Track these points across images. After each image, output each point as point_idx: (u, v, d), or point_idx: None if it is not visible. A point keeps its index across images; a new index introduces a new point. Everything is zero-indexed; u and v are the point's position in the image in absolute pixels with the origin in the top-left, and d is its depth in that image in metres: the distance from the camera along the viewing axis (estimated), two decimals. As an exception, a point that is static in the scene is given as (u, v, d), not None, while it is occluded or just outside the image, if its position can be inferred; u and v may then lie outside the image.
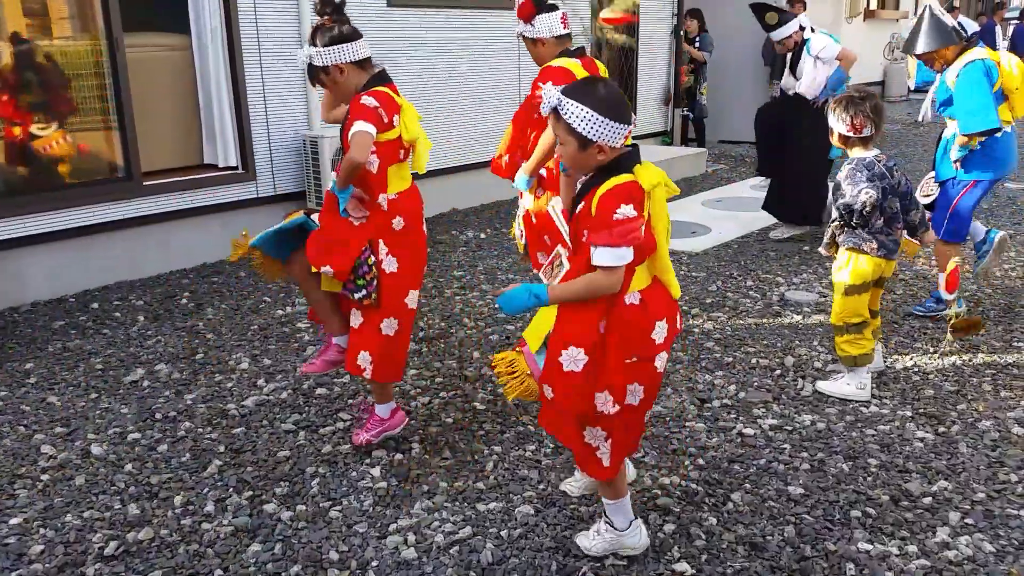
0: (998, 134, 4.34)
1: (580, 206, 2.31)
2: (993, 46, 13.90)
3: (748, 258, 5.93)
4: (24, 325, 4.69)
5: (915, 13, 16.28)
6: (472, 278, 5.51)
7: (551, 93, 2.22)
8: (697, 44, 10.25)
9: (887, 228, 3.57)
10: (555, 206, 3.51)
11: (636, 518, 2.62)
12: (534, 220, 3.71)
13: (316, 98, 6.19)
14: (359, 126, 2.77)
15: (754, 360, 4.12)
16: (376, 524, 2.82)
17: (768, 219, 6.75)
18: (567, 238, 2.66)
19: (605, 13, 4.55)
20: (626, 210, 2.16)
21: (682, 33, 10.08)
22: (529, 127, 3.67)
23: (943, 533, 2.73)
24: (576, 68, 3.65)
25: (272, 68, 5.98)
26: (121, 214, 5.37)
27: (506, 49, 7.68)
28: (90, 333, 4.57)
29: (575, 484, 2.97)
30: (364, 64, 2.95)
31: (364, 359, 3.07)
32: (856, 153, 3.59)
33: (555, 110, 2.23)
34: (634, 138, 3.92)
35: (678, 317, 2.45)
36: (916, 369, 4.02)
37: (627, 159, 2.27)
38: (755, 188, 8.26)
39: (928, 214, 4.02)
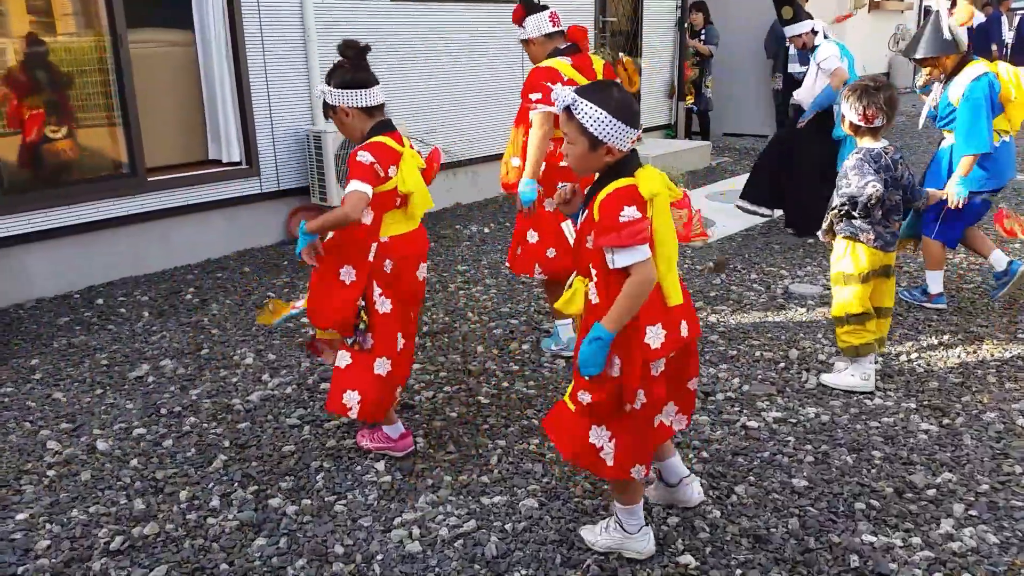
0: (996, 143, 4.35)
1: (584, 214, 2.34)
2: (999, 37, 13.79)
3: (752, 251, 5.92)
4: (29, 321, 4.71)
5: (920, 5, 16.22)
6: (476, 272, 5.51)
7: (565, 92, 2.25)
8: (703, 37, 10.22)
9: (885, 220, 3.56)
10: (568, 226, 3.52)
11: (647, 525, 2.60)
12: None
13: (319, 94, 6.20)
14: (354, 185, 2.80)
15: (758, 353, 4.12)
16: (381, 518, 2.83)
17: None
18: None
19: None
20: (630, 211, 2.19)
21: (687, 26, 10.05)
22: (524, 128, 3.73)
23: (947, 525, 2.73)
24: (563, 67, 3.69)
25: (275, 64, 5.98)
26: (125, 210, 5.38)
27: (509, 43, 7.66)
28: (95, 329, 4.59)
29: (652, 493, 2.89)
30: (372, 111, 2.96)
31: (351, 398, 3.03)
32: (865, 143, 3.57)
33: (567, 109, 2.25)
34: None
35: (682, 324, 2.37)
36: (920, 361, 4.01)
37: (629, 163, 2.29)
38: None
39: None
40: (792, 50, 9.96)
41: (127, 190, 5.38)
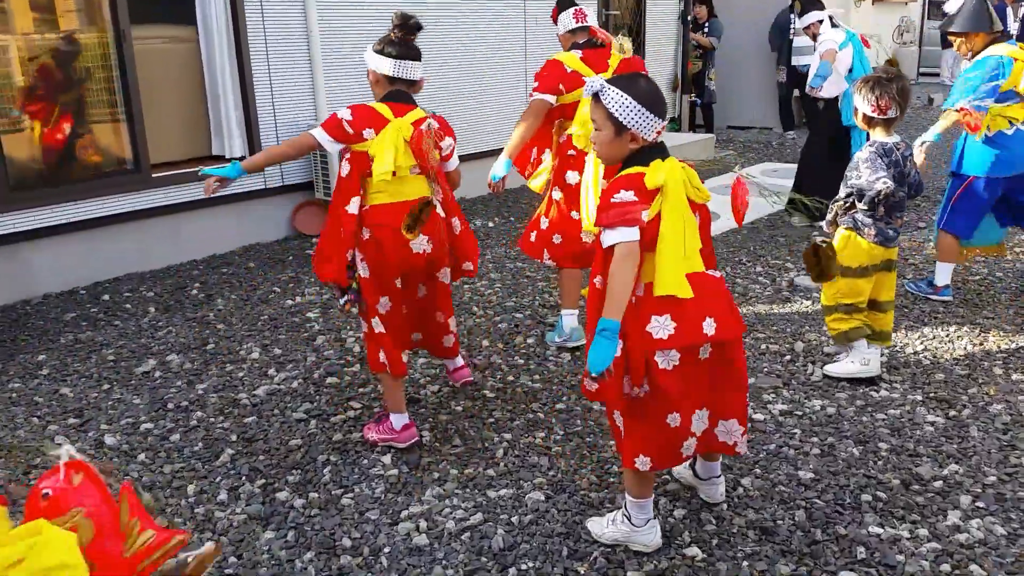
0: (1008, 131, 4.32)
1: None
2: (1004, 27, 13.74)
3: (757, 244, 5.92)
4: (36, 317, 4.72)
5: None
6: (481, 267, 5.51)
7: (595, 80, 2.35)
8: (706, 30, 10.20)
9: (887, 216, 3.54)
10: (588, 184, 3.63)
11: (655, 519, 2.60)
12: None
13: (323, 88, 6.20)
14: (314, 131, 3.05)
15: (764, 346, 4.12)
16: (388, 511, 2.83)
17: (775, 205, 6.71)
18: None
19: None
20: (625, 195, 2.26)
21: (690, 19, 10.03)
22: (555, 118, 3.86)
23: (954, 516, 2.73)
24: (569, 59, 3.80)
25: (278, 58, 5.98)
26: (131, 206, 5.39)
27: (512, 38, 7.66)
28: (101, 324, 4.60)
29: (682, 472, 2.93)
30: (393, 80, 3.10)
31: (380, 357, 3.19)
32: (878, 136, 3.55)
33: (596, 96, 2.34)
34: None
35: (706, 321, 2.32)
36: (926, 353, 4.01)
37: (649, 153, 2.34)
38: (765, 174, 8.22)
39: None
40: (796, 42, 9.96)
41: (132, 186, 5.39)
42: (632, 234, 2.24)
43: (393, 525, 2.76)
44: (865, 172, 3.46)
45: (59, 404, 3.67)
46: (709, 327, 2.34)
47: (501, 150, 3.91)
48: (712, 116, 10.55)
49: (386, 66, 3.07)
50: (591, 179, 3.65)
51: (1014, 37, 13.88)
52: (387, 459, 3.14)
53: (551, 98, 3.79)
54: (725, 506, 2.80)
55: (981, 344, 4.09)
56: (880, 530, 2.66)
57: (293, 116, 6.14)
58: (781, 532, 2.67)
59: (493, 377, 3.84)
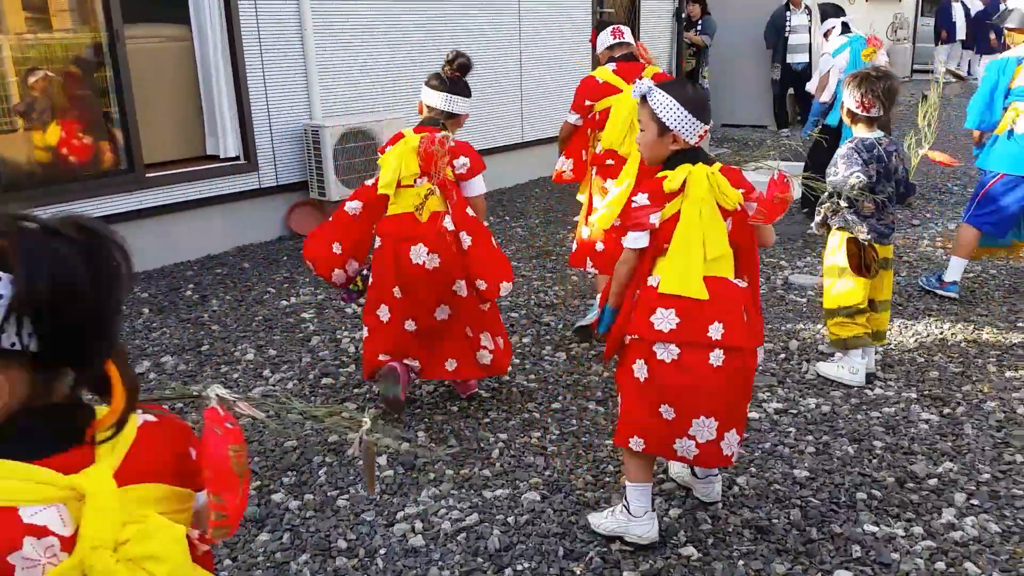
0: None
1: None
2: (998, 27, 13.78)
3: (752, 242, 5.92)
4: (30, 319, 4.70)
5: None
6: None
7: (643, 82, 2.47)
8: (699, 28, 10.21)
9: (879, 213, 3.54)
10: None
11: (652, 511, 2.61)
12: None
13: (318, 87, 6.19)
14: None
15: (758, 344, 4.12)
16: (383, 512, 2.83)
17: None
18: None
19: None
20: (640, 199, 2.42)
21: (684, 17, 10.03)
22: (589, 127, 4.05)
23: (949, 514, 2.74)
24: (602, 73, 4.00)
25: (273, 58, 5.96)
26: (124, 206, 5.37)
27: (508, 38, 7.65)
28: (96, 326, 4.58)
29: (675, 465, 2.95)
30: (428, 109, 3.37)
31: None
32: (859, 132, 3.56)
33: (643, 97, 2.46)
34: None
35: (715, 325, 2.36)
36: (921, 351, 4.02)
37: (683, 157, 2.44)
38: (759, 172, 8.23)
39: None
40: (791, 40, 9.99)
41: (126, 186, 5.37)
42: (641, 240, 2.44)
43: (389, 526, 2.76)
44: (841, 168, 3.48)
45: (53, 406, 3.66)
46: (715, 331, 2.36)
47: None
48: (706, 114, 10.55)
49: (434, 99, 3.32)
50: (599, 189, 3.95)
51: (992, 36, 13.95)
52: (382, 460, 3.14)
53: (576, 119, 4.03)
54: (720, 505, 2.81)
55: (975, 342, 4.10)
56: (875, 528, 2.67)
57: (287, 116, 6.12)
58: (776, 531, 2.67)
59: (488, 377, 3.83)
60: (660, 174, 2.46)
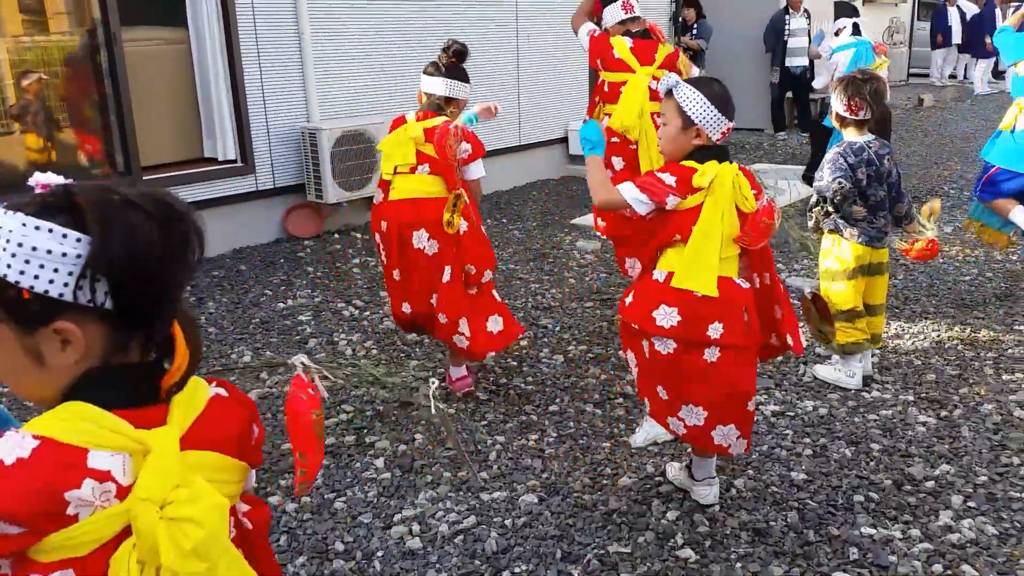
0: None
1: None
2: (993, 30, 13.85)
3: (749, 245, 5.92)
4: (26, 321, 4.69)
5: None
6: (473, 269, 5.51)
7: (671, 78, 2.53)
8: (695, 32, 10.23)
9: (870, 215, 3.53)
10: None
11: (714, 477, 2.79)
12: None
13: (315, 90, 6.19)
14: None
15: (756, 347, 4.12)
16: (381, 515, 2.83)
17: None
18: None
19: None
20: (668, 178, 2.43)
21: (680, 21, 10.05)
22: (598, 95, 4.16)
23: (946, 517, 2.74)
24: (619, 44, 4.04)
25: (270, 61, 5.96)
26: (121, 209, 5.36)
27: (504, 37, 7.66)
28: (92, 328, 4.57)
29: (673, 468, 3.00)
30: (430, 96, 3.42)
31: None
32: (849, 136, 3.56)
33: (669, 91, 2.50)
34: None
35: (715, 324, 2.42)
36: (918, 353, 4.02)
37: (708, 153, 2.47)
38: (755, 175, 8.24)
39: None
40: (790, 44, 10.01)
41: (122, 189, 5.36)
42: (640, 205, 2.45)
43: (386, 529, 2.75)
44: (826, 174, 3.49)
45: (50, 408, 3.65)
46: (715, 331, 2.43)
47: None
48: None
49: (432, 85, 3.37)
50: None
51: (988, 40, 13.98)
52: (380, 462, 3.14)
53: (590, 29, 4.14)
54: (718, 507, 2.81)
55: (972, 344, 4.11)
56: (872, 531, 2.67)
57: (284, 118, 6.12)
58: (774, 533, 2.67)
59: (486, 379, 3.84)
60: (689, 163, 2.47)
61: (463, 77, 3.43)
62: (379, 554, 2.62)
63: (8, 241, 0.96)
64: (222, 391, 1.15)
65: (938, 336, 4.22)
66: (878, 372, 3.81)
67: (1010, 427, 3.31)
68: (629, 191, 2.46)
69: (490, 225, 6.61)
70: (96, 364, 1.01)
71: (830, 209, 3.51)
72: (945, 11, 15.01)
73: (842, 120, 3.56)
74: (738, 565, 2.53)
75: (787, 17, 10.04)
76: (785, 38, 10.04)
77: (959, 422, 3.36)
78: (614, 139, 3.97)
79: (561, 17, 8.20)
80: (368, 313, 4.67)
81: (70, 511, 0.94)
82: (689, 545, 2.62)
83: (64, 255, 0.96)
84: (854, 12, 6.77)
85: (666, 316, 2.44)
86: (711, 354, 2.46)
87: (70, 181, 1.06)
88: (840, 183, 3.42)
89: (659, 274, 2.51)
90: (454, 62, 3.41)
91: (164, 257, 1.01)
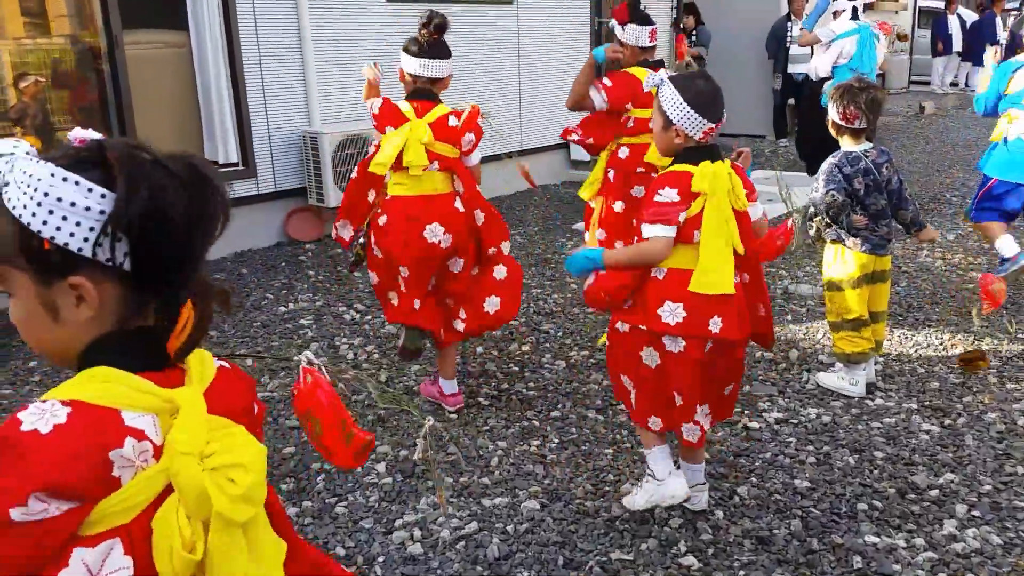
0: None
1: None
2: (993, 36, 13.88)
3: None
4: (26, 324, 4.68)
5: (914, 5, 16.25)
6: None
7: (656, 76, 2.54)
8: (694, 38, 10.24)
9: (872, 224, 3.51)
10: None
11: (677, 469, 2.69)
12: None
13: (316, 94, 6.19)
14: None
15: (758, 354, 4.11)
16: (382, 520, 2.81)
17: (768, 212, 6.74)
18: None
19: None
20: (669, 193, 2.41)
21: (680, 27, 10.06)
22: (618, 133, 3.98)
23: (950, 526, 2.72)
24: (642, 74, 3.87)
25: (272, 64, 5.96)
26: (122, 212, 5.36)
27: (506, 45, 7.66)
28: (92, 331, 4.56)
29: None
30: (415, 79, 3.29)
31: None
32: (846, 144, 3.54)
33: (657, 88, 2.52)
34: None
35: (715, 319, 2.44)
36: (921, 361, 4.01)
37: (699, 153, 2.46)
38: (757, 182, 8.24)
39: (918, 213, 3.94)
40: (793, 51, 10.01)
41: (124, 191, 5.35)
42: (666, 231, 2.40)
43: (387, 534, 2.73)
44: (821, 186, 3.47)
45: (49, 411, 3.63)
46: (715, 325, 2.45)
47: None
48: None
49: (410, 65, 3.25)
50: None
51: (960, 49, 14.05)
52: (381, 467, 3.12)
53: (601, 101, 3.88)
54: (721, 515, 2.79)
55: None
56: (876, 539, 2.66)
57: (286, 122, 6.12)
58: (777, 541, 2.66)
59: (488, 385, 3.82)
60: (682, 167, 2.45)
61: (447, 53, 3.30)
62: (380, 559, 2.61)
63: (36, 190, 0.95)
64: (225, 364, 1.16)
65: (941, 344, 4.21)
66: (881, 380, 3.80)
67: (1014, 436, 3.30)
68: (650, 231, 2.42)
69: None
70: (111, 327, 1.00)
71: (825, 221, 3.50)
72: (945, 19, 15.04)
73: (838, 128, 3.55)
74: (741, 573, 2.51)
75: (789, 24, 10.04)
76: (787, 45, 10.04)
77: (963, 431, 3.35)
78: (639, 169, 3.90)
79: (562, 22, 8.22)
80: (370, 317, 4.65)
81: (115, 472, 0.93)
82: (692, 553, 2.60)
83: (88, 209, 0.95)
84: None
85: (672, 312, 2.44)
86: (707, 347, 2.50)
87: (105, 137, 1.04)
88: (833, 196, 3.40)
89: (658, 272, 2.49)
90: (436, 38, 3.26)
91: (187, 221, 0.99)
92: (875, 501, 2.87)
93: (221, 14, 5.66)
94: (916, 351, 4.13)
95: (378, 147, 3.24)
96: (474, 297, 3.42)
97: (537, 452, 3.23)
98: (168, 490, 0.97)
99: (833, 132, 3.60)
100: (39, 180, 0.96)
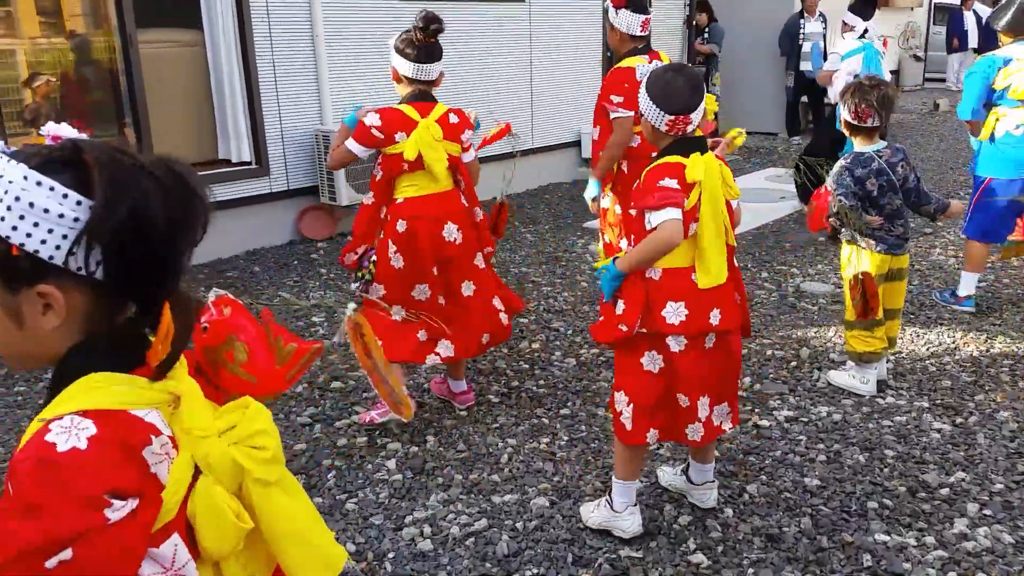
0: (1016, 132, 4.30)
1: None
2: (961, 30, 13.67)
3: (763, 250, 5.90)
4: (42, 321, 4.72)
5: (930, 3, 16.12)
6: (485, 271, 5.51)
7: (644, 67, 2.55)
8: (706, 36, 10.21)
9: (888, 224, 3.48)
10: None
11: (635, 505, 2.66)
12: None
13: (329, 92, 6.21)
14: (348, 143, 3.19)
15: (769, 352, 4.11)
16: (392, 516, 2.83)
17: (780, 210, 6.71)
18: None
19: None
20: (669, 182, 2.35)
21: (693, 25, 10.04)
22: (601, 126, 3.85)
23: (961, 524, 2.72)
24: (643, 61, 3.82)
25: (284, 63, 5.99)
26: (136, 210, 5.40)
27: (517, 41, 7.66)
28: (107, 328, 4.60)
29: (667, 473, 2.99)
30: (411, 82, 3.24)
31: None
32: (858, 144, 3.50)
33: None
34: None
35: (714, 312, 2.44)
36: (933, 360, 3.99)
37: (684, 145, 2.42)
38: (769, 180, 8.21)
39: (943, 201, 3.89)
40: (805, 48, 9.97)
41: (138, 190, 5.39)
42: (677, 214, 2.33)
43: (397, 530, 2.75)
44: (830, 187, 3.44)
45: (64, 408, 3.67)
46: (715, 317, 2.45)
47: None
48: (717, 120, 10.55)
49: (407, 68, 3.21)
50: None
51: (975, 45, 13.90)
52: (391, 464, 3.14)
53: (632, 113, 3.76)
54: (731, 513, 2.79)
55: (988, 351, 4.07)
56: (886, 537, 2.65)
57: (299, 121, 6.15)
58: (787, 539, 2.66)
59: (497, 382, 3.83)
60: (674, 159, 2.39)
61: (439, 55, 3.25)
62: (390, 555, 2.62)
63: (7, 193, 0.90)
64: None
65: (953, 342, 4.18)
66: (893, 378, 3.79)
67: (1026, 434, 3.28)
68: (661, 216, 2.32)
69: (502, 228, 6.61)
70: (80, 335, 0.97)
71: (835, 223, 3.48)
72: (961, 15, 14.92)
73: (851, 128, 3.52)
74: (750, 571, 2.51)
75: (802, 21, 10.00)
76: (800, 42, 10.00)
77: (975, 429, 3.33)
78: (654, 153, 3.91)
79: (574, 22, 8.21)
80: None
81: (152, 469, 0.94)
82: (701, 550, 2.61)
83: (61, 216, 0.91)
84: (868, 13, 6.57)
85: (675, 312, 2.41)
86: (709, 340, 2.49)
87: (82, 136, 1.00)
88: (840, 201, 3.37)
89: (653, 273, 2.43)
90: (432, 42, 3.20)
91: (169, 231, 0.95)
92: (885, 499, 2.86)
93: (235, 13, 5.69)
94: (928, 349, 4.11)
95: (384, 166, 3.21)
96: (489, 306, 3.42)
97: (547, 450, 3.23)
98: (194, 478, 1.00)
99: (846, 132, 3.56)
100: (11, 183, 0.91)
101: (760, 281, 5.22)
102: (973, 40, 14.89)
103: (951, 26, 15.15)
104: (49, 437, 0.89)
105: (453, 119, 3.25)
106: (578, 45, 8.29)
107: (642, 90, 2.42)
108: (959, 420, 3.41)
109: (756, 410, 3.51)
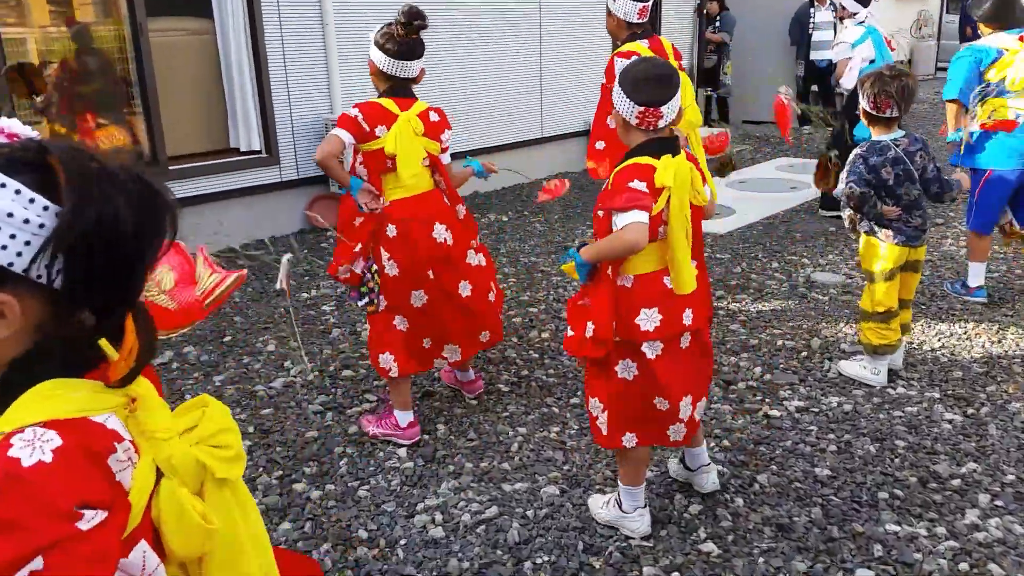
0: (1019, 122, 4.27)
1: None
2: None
3: (773, 240, 5.89)
4: (54, 308, 4.75)
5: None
6: (495, 261, 5.50)
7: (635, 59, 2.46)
8: (718, 24, 10.16)
9: (905, 215, 3.46)
10: None
11: (645, 507, 2.65)
12: None
13: (338, 81, 6.21)
14: (334, 129, 3.05)
15: (780, 342, 4.10)
16: (404, 503, 2.84)
17: (791, 200, 6.68)
18: None
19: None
20: (639, 184, 2.28)
21: (704, 13, 9.98)
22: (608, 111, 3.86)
23: (972, 515, 2.71)
24: (642, 49, 3.86)
25: (294, 51, 5.99)
26: (147, 198, 5.41)
27: (526, 31, 7.64)
28: (119, 316, 4.62)
29: (673, 463, 2.98)
30: (390, 78, 3.11)
31: (386, 360, 3.17)
32: (876, 134, 3.49)
33: None
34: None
35: (687, 312, 2.41)
36: (944, 350, 3.98)
37: (656, 145, 2.35)
38: (780, 169, 8.18)
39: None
40: (815, 37, 9.90)
41: (149, 178, 5.41)
42: (643, 217, 2.26)
43: (409, 517, 2.77)
44: (844, 176, 3.43)
45: (77, 395, 3.69)
46: (687, 317, 2.43)
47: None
48: (728, 109, 10.51)
49: (385, 64, 3.07)
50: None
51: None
52: (403, 452, 3.15)
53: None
54: (741, 502, 2.80)
55: (999, 342, 4.06)
56: (897, 528, 2.65)
57: (309, 108, 6.15)
58: (797, 529, 2.66)
59: (507, 371, 3.84)
60: (645, 160, 2.31)
61: (421, 51, 3.13)
62: (402, 542, 2.64)
63: None
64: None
65: (965, 333, 4.17)
66: (904, 368, 3.78)
67: (1038, 425, 3.27)
68: (626, 218, 2.25)
69: (512, 218, 6.61)
70: (31, 344, 0.92)
71: (849, 212, 3.46)
72: (974, 4, 14.79)
73: (869, 117, 3.49)
74: (761, 560, 2.52)
75: (812, 10, 9.93)
76: (810, 31, 9.93)
77: (986, 420, 3.33)
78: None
79: (584, 9, 8.18)
80: (391, 304, 4.68)
81: (117, 478, 0.92)
82: (712, 539, 2.61)
83: (26, 221, 0.85)
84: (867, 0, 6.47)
85: (649, 319, 2.37)
86: (684, 340, 2.47)
87: (36, 134, 0.95)
88: (851, 188, 3.36)
89: (624, 280, 2.39)
90: (415, 38, 3.08)
91: (132, 240, 0.90)
92: (896, 490, 2.86)
93: (245, 1, 5.69)
94: (939, 340, 4.10)
95: (367, 165, 3.09)
96: (485, 303, 3.36)
97: (557, 438, 3.24)
98: (156, 481, 0.98)
99: (865, 121, 3.54)
100: None
101: (771, 271, 5.21)
102: (986, 29, 14.76)
103: (964, 15, 15.02)
104: (12, 452, 0.85)
105: (434, 117, 3.13)
106: (588, 34, 8.26)
107: (617, 84, 2.33)
108: (970, 411, 3.40)
109: (767, 400, 3.51)
